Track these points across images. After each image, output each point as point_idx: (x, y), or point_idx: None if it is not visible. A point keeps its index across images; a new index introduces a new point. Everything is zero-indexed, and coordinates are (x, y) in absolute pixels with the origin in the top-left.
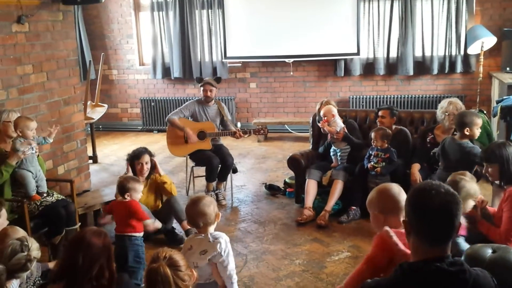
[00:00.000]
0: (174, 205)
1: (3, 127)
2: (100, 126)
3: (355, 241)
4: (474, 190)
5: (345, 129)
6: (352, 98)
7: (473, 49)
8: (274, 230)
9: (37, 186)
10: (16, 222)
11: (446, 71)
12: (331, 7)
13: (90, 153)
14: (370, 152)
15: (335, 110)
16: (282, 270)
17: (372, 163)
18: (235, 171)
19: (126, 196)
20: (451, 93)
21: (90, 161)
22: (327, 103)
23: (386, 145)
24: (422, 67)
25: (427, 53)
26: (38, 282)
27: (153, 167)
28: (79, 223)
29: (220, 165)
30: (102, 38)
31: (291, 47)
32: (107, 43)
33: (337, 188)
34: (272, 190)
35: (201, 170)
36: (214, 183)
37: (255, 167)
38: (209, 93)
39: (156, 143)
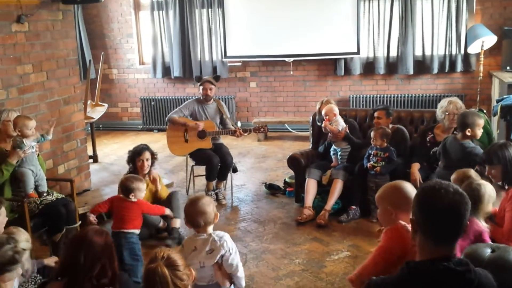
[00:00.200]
0: (172, 201)
1: (3, 127)
2: (100, 126)
3: (354, 240)
4: (493, 192)
5: (347, 128)
6: (352, 98)
7: (473, 48)
8: (274, 229)
9: (37, 186)
10: (16, 221)
11: (446, 70)
12: (331, 6)
13: (90, 152)
14: (370, 151)
15: (336, 109)
16: (282, 270)
17: (372, 162)
18: (235, 170)
19: (131, 196)
20: (451, 92)
21: (91, 160)
22: (328, 102)
23: (386, 144)
24: (422, 66)
25: (427, 52)
26: (39, 280)
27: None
28: (79, 221)
29: (220, 164)
30: (102, 37)
31: (291, 46)
32: (107, 43)
33: (337, 188)
34: (272, 189)
35: (201, 169)
36: (214, 182)
37: (255, 166)
38: (208, 92)
39: (157, 142)
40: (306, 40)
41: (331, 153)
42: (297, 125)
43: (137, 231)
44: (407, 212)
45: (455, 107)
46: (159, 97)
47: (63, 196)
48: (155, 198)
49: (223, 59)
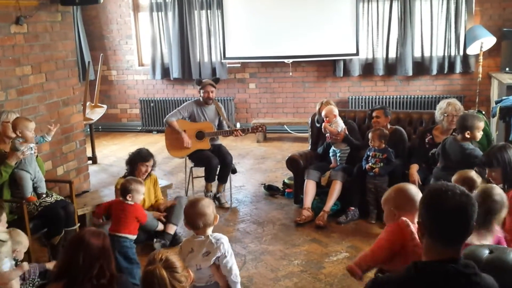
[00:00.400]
0: (176, 206)
1: (2, 128)
2: (100, 127)
3: (353, 241)
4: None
5: (346, 130)
6: (351, 99)
7: (473, 50)
8: (273, 230)
9: (36, 187)
10: (15, 223)
11: (445, 72)
12: (330, 8)
13: (89, 153)
14: (368, 153)
15: (336, 111)
16: (281, 271)
17: (370, 163)
18: (234, 171)
19: (128, 198)
20: (450, 94)
21: (90, 161)
22: (327, 104)
23: (384, 145)
24: (421, 67)
25: (426, 54)
26: (37, 282)
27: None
28: (78, 224)
29: (219, 165)
30: (101, 38)
31: (290, 47)
32: (106, 44)
33: (336, 189)
34: (271, 190)
35: (200, 171)
36: (215, 185)
37: (254, 167)
38: (210, 95)
39: (156, 144)
40: (305, 41)
41: (330, 154)
42: (296, 126)
43: (132, 237)
44: (410, 213)
45: (453, 109)
46: (158, 99)
47: (62, 198)
48: (154, 202)
49: (222, 61)
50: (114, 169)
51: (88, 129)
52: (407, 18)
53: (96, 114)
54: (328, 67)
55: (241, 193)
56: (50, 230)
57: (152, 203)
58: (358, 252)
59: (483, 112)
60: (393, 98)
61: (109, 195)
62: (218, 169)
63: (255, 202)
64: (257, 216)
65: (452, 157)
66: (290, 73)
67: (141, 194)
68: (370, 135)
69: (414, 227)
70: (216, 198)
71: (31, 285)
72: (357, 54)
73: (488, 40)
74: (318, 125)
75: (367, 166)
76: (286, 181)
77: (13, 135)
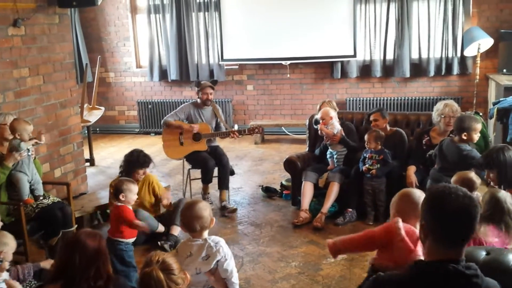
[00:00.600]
0: (178, 208)
1: None
2: (98, 129)
3: None
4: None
5: (342, 132)
6: (349, 100)
7: (470, 51)
8: (271, 232)
9: (33, 189)
10: (12, 225)
11: (443, 73)
12: (328, 10)
13: (87, 156)
14: (365, 154)
15: (332, 112)
16: (278, 272)
17: (367, 165)
18: (232, 173)
19: (121, 197)
20: (448, 95)
21: (87, 164)
22: (329, 103)
23: (380, 146)
24: (418, 69)
25: (424, 55)
26: (33, 285)
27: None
28: (76, 225)
29: (215, 167)
30: (99, 40)
31: (288, 49)
32: (104, 46)
33: (333, 190)
34: (268, 192)
35: (198, 173)
36: (212, 189)
37: (252, 169)
38: (209, 96)
39: (153, 146)
40: (303, 43)
41: (327, 156)
42: (294, 128)
43: (126, 240)
44: (412, 218)
45: (450, 110)
46: (156, 100)
47: (60, 199)
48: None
49: (220, 62)
50: (111, 171)
51: (86, 131)
52: (404, 20)
53: (93, 116)
54: (325, 69)
55: (238, 195)
56: (48, 231)
57: (152, 202)
58: (355, 253)
59: (481, 114)
60: (390, 99)
61: (106, 197)
62: (215, 171)
63: (252, 204)
64: (255, 218)
65: (449, 159)
66: (288, 75)
67: (134, 193)
68: (366, 137)
69: (407, 230)
70: (222, 208)
71: (28, 287)
72: (354, 55)
73: (486, 42)
74: (315, 127)
75: (364, 168)
76: (283, 182)
77: (10, 137)
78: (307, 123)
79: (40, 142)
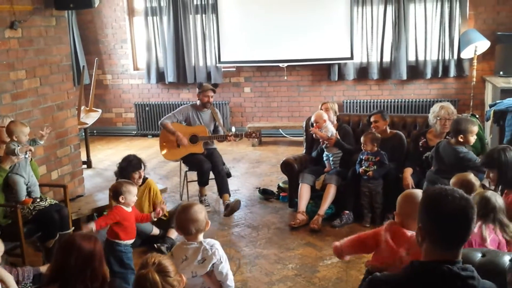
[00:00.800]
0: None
1: None
2: (95, 131)
3: None
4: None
5: (337, 135)
6: (346, 103)
7: (467, 53)
8: (268, 234)
9: (29, 191)
10: (9, 227)
11: (440, 76)
12: (325, 12)
13: (84, 158)
14: (361, 156)
15: (325, 116)
16: (275, 275)
17: (364, 167)
18: (228, 175)
19: (121, 199)
20: (445, 98)
21: (84, 166)
22: (326, 106)
23: (376, 148)
24: (415, 71)
25: (421, 58)
26: (29, 287)
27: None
28: (73, 228)
29: (211, 170)
30: (96, 43)
31: (285, 51)
32: (101, 48)
33: (330, 193)
34: (266, 194)
35: (195, 175)
36: (225, 195)
37: (249, 171)
38: (210, 99)
39: (151, 148)
40: (300, 46)
41: (324, 158)
42: (291, 130)
43: (125, 242)
44: (412, 219)
45: (446, 112)
46: (153, 103)
47: (56, 202)
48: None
49: (217, 65)
50: (109, 174)
51: (83, 133)
52: (401, 22)
53: (91, 118)
54: (322, 71)
55: (236, 197)
56: (44, 234)
57: (150, 210)
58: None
59: (477, 116)
60: (387, 102)
61: (103, 199)
62: (210, 174)
63: (250, 206)
64: (252, 220)
65: (445, 161)
66: (285, 77)
67: (134, 195)
68: (362, 139)
69: (394, 228)
70: (226, 206)
71: None
72: (351, 58)
73: (482, 44)
74: (310, 130)
75: (360, 170)
76: (281, 185)
77: (8, 140)
78: (304, 125)
79: (40, 142)
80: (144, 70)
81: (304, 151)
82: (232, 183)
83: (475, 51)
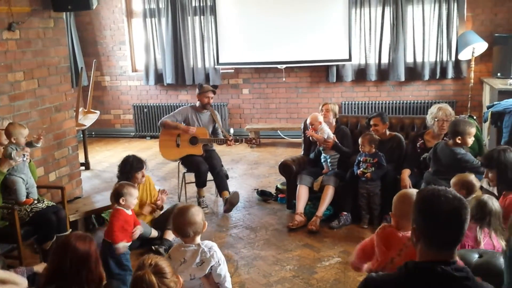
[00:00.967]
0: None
1: None
2: (93, 133)
3: (345, 246)
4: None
5: (335, 138)
6: (344, 104)
7: (464, 55)
8: (266, 235)
9: (27, 193)
10: (6, 229)
11: (437, 77)
12: (323, 14)
13: (82, 159)
14: (359, 158)
15: (321, 118)
16: (273, 276)
17: (362, 168)
18: (226, 177)
19: (121, 201)
20: (443, 99)
21: (83, 167)
22: (327, 107)
23: (374, 150)
24: (413, 73)
25: (418, 59)
26: None
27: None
28: (70, 229)
29: (208, 172)
30: (94, 44)
31: (283, 53)
32: (100, 50)
33: (328, 194)
34: (264, 196)
35: (193, 176)
36: (224, 192)
37: (248, 173)
38: (210, 101)
39: (149, 149)
40: (298, 47)
41: (322, 160)
42: (289, 132)
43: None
44: (406, 219)
45: (444, 114)
46: (151, 104)
47: (54, 203)
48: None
49: (216, 66)
50: (107, 175)
51: (81, 135)
52: (399, 24)
53: (89, 120)
54: (321, 73)
55: None
56: (42, 235)
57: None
58: (350, 257)
59: (475, 117)
60: (385, 103)
61: (101, 201)
62: (208, 175)
63: (248, 208)
64: (250, 221)
65: (443, 162)
66: (283, 79)
67: (134, 197)
68: (360, 140)
69: (388, 231)
70: (225, 202)
71: None
72: (349, 59)
73: (480, 46)
74: (306, 133)
75: (358, 172)
76: (279, 186)
77: (6, 142)
78: (302, 127)
79: (37, 145)
80: (142, 71)
81: (302, 153)
82: (230, 185)
83: (473, 52)
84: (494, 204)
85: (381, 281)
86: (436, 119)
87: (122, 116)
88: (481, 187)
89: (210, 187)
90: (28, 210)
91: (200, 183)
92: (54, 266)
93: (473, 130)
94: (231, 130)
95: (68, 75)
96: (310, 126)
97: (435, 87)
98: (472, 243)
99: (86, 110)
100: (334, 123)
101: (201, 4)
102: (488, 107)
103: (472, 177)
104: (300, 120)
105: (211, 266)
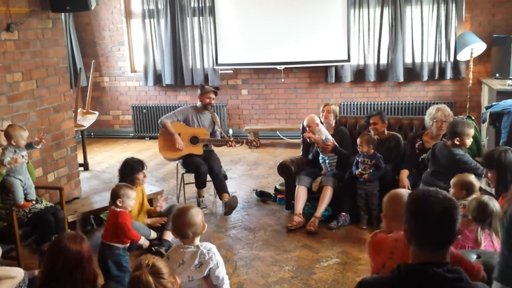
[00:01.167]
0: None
1: None
2: (92, 133)
3: (344, 247)
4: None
5: (334, 141)
6: (343, 105)
7: (463, 56)
8: (264, 236)
9: (25, 194)
10: (5, 229)
11: (436, 78)
12: (322, 14)
13: (81, 160)
14: (357, 158)
15: (318, 119)
16: (271, 277)
17: (360, 169)
18: (225, 178)
19: (118, 203)
20: (441, 100)
21: (81, 168)
22: (328, 108)
23: (372, 151)
24: (412, 73)
25: (417, 60)
26: None
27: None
28: (68, 230)
29: (208, 172)
30: (93, 45)
31: (282, 54)
32: (99, 50)
33: (327, 195)
34: (262, 196)
35: (191, 177)
36: (224, 194)
37: (246, 173)
38: (212, 101)
39: (148, 150)
40: (297, 48)
41: (320, 161)
42: (288, 132)
43: (123, 245)
44: (396, 220)
45: (443, 114)
46: (150, 105)
47: (52, 204)
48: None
49: (215, 67)
50: (106, 176)
51: (80, 136)
52: (398, 25)
53: (87, 120)
54: (320, 73)
55: None
56: (40, 236)
57: (145, 210)
58: (349, 257)
59: (473, 118)
60: (384, 104)
61: (100, 202)
62: (207, 175)
63: (246, 208)
64: (249, 222)
65: (441, 163)
66: (282, 79)
67: (132, 199)
68: (358, 140)
69: (381, 237)
70: (224, 205)
71: None
72: (348, 60)
73: (478, 46)
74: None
75: (356, 172)
76: (277, 187)
77: (5, 143)
78: (301, 128)
79: (37, 147)
80: (141, 72)
81: (301, 153)
82: (229, 185)
83: (471, 53)
84: (495, 205)
85: (374, 284)
86: (434, 120)
87: (121, 116)
88: (480, 188)
89: (209, 187)
90: (27, 211)
91: (200, 184)
92: (48, 268)
93: (471, 131)
94: (230, 131)
95: (66, 76)
96: (307, 128)
97: (434, 88)
98: (473, 244)
99: (85, 110)
100: (333, 124)
101: (200, 5)
102: (487, 108)
103: (472, 178)
104: (299, 120)
105: (210, 268)
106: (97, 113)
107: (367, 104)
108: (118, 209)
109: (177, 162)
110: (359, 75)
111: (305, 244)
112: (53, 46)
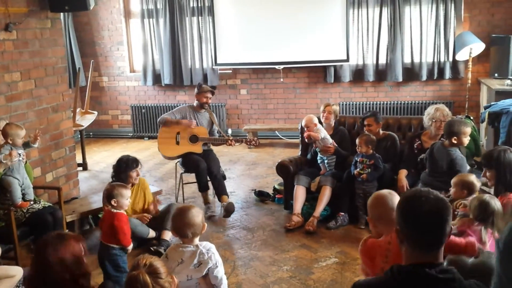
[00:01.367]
0: (168, 213)
1: None
2: (91, 133)
3: (342, 247)
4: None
5: (334, 143)
6: (342, 105)
7: (462, 56)
8: (263, 236)
9: (23, 194)
10: (3, 229)
11: (435, 77)
12: (321, 14)
13: (80, 160)
14: (356, 158)
15: (316, 119)
16: (270, 277)
17: (358, 169)
18: (224, 178)
19: (113, 203)
20: (440, 99)
21: (80, 168)
22: (329, 108)
23: (371, 151)
24: (411, 73)
25: (416, 60)
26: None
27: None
28: (67, 230)
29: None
30: (92, 45)
31: (281, 53)
32: (98, 50)
33: (325, 194)
34: (261, 196)
35: (190, 177)
36: (223, 196)
37: (245, 173)
38: (209, 100)
39: (147, 150)
40: (296, 48)
41: (318, 161)
42: (287, 132)
43: (118, 246)
44: (383, 222)
45: (441, 114)
46: (149, 105)
47: (50, 204)
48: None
49: (214, 67)
50: (104, 176)
51: (79, 136)
52: (397, 25)
53: (86, 120)
54: (319, 73)
55: (231, 199)
56: (38, 236)
57: (142, 207)
58: (347, 257)
59: (471, 118)
60: (383, 103)
61: (98, 201)
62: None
63: (245, 208)
64: (247, 222)
65: (439, 162)
66: (281, 79)
67: (126, 198)
68: (357, 140)
69: (372, 242)
70: (224, 207)
71: None
72: (347, 60)
73: (477, 46)
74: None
75: (355, 172)
76: (276, 187)
77: (2, 142)
78: (300, 128)
79: (34, 145)
80: (140, 72)
81: (299, 153)
82: (228, 185)
83: (470, 53)
84: (497, 204)
85: (367, 286)
86: (433, 120)
87: (120, 116)
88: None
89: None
90: (25, 211)
91: (202, 185)
92: (38, 268)
93: (468, 130)
94: (229, 131)
95: (65, 76)
96: (306, 128)
97: (433, 88)
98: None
99: (83, 110)
100: (333, 124)
101: (199, 5)
102: (486, 108)
103: (473, 177)
104: (298, 120)
105: (209, 268)
106: (96, 113)
107: (366, 104)
108: (114, 210)
109: (176, 161)
110: (358, 75)
111: (304, 244)
112: (52, 46)
